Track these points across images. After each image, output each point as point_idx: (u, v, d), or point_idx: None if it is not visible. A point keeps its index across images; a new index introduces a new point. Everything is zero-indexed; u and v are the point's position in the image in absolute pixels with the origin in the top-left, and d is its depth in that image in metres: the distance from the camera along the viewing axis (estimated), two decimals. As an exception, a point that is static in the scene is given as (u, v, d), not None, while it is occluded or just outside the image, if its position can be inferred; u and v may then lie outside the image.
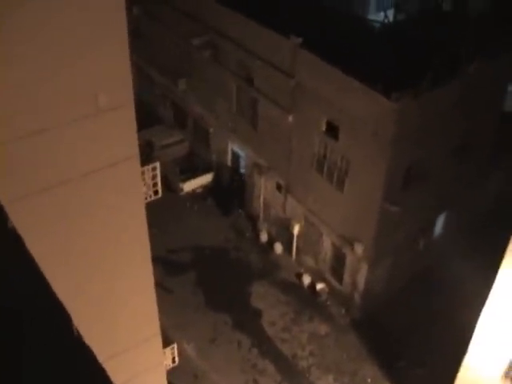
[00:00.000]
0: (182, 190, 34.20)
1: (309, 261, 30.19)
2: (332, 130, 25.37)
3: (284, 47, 26.23)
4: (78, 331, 2.61)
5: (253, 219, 32.93)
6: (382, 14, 34.16)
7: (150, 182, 16.32)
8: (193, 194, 34.72)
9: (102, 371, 2.47)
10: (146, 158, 15.48)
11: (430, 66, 23.29)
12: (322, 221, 28.07)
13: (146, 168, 16.14)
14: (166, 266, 29.85)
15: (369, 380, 26.19)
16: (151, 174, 16.40)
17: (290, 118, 27.20)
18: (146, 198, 15.91)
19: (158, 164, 16.35)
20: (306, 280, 29.85)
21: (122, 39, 11.90)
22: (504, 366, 19.21)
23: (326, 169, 26.53)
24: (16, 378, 2.33)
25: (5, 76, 10.67)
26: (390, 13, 33.26)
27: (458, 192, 27.96)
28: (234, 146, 33.04)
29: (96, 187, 13.14)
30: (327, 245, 28.43)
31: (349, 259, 27.31)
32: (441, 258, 28.90)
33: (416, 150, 23.87)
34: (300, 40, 25.37)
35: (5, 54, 10.50)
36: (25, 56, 10.74)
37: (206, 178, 35.04)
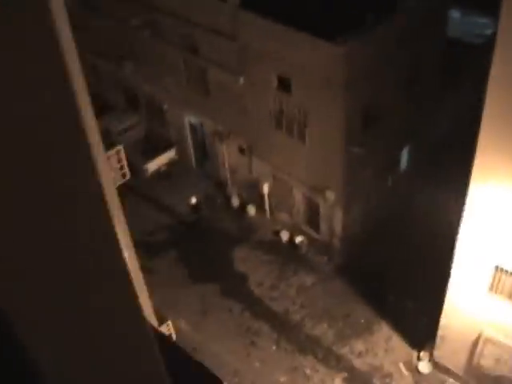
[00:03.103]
0: (146, 170, 34.17)
1: (283, 217, 30.50)
2: (284, 85, 25.47)
3: (223, 10, 26.13)
4: None
5: (222, 186, 33.06)
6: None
7: (117, 166, 16.36)
8: (158, 173, 34.72)
9: None
10: (108, 145, 15.51)
11: (370, 5, 23.45)
12: (290, 175, 28.32)
13: (110, 153, 16.17)
14: (144, 248, 29.85)
15: (362, 321, 26.74)
16: (116, 158, 16.43)
17: (241, 80, 27.23)
18: (116, 183, 15.96)
19: (121, 147, 16.41)
20: (284, 236, 30.17)
21: (67, 37, 11.96)
22: (489, 279, 19.83)
23: (284, 124, 26.66)
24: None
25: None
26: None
27: (417, 124, 28.32)
28: (190, 119, 33.01)
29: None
30: (299, 198, 28.73)
31: (322, 207, 27.65)
32: (411, 191, 29.33)
33: (369, 89, 24.10)
34: (237, 0, 25.29)
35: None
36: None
37: (168, 155, 35.04)
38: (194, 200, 32.23)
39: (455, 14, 31.43)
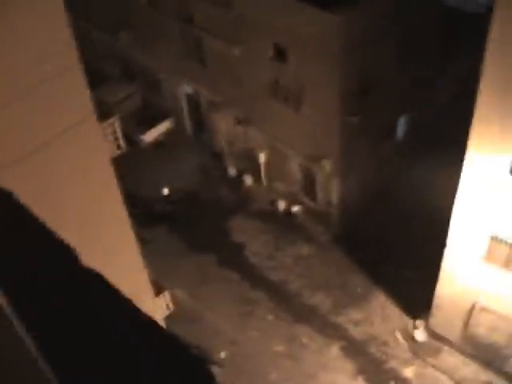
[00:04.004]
0: (143, 141, 34.08)
1: (280, 186, 30.49)
2: (280, 54, 25.32)
3: (217, -21, 25.89)
4: None
5: (219, 156, 33.00)
6: None
7: (112, 138, 16.29)
8: (155, 143, 34.65)
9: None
10: (103, 116, 15.38)
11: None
12: (287, 145, 28.26)
13: (104, 124, 16.09)
14: (140, 218, 29.80)
15: (359, 290, 26.87)
16: (111, 130, 16.35)
17: (237, 50, 27.05)
18: (111, 155, 15.92)
19: (115, 118, 16.33)
20: (281, 205, 30.22)
21: (58, 6, 11.90)
22: (484, 248, 19.92)
23: (280, 93, 26.54)
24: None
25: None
26: None
27: (415, 93, 28.18)
28: (186, 89, 32.82)
29: (62, 151, 13.17)
30: (295, 167, 28.70)
31: (319, 176, 27.65)
32: (408, 161, 29.27)
33: (366, 58, 23.96)
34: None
35: None
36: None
37: (164, 126, 34.95)
38: (166, 191, 32.14)
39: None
